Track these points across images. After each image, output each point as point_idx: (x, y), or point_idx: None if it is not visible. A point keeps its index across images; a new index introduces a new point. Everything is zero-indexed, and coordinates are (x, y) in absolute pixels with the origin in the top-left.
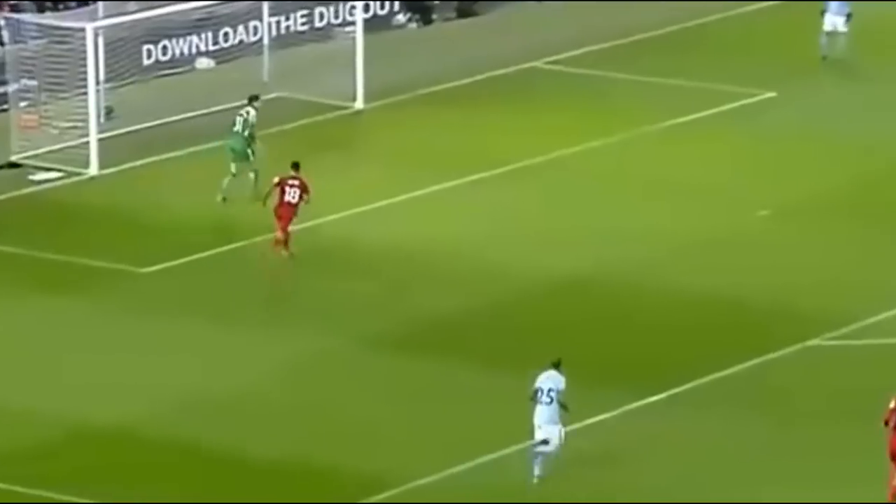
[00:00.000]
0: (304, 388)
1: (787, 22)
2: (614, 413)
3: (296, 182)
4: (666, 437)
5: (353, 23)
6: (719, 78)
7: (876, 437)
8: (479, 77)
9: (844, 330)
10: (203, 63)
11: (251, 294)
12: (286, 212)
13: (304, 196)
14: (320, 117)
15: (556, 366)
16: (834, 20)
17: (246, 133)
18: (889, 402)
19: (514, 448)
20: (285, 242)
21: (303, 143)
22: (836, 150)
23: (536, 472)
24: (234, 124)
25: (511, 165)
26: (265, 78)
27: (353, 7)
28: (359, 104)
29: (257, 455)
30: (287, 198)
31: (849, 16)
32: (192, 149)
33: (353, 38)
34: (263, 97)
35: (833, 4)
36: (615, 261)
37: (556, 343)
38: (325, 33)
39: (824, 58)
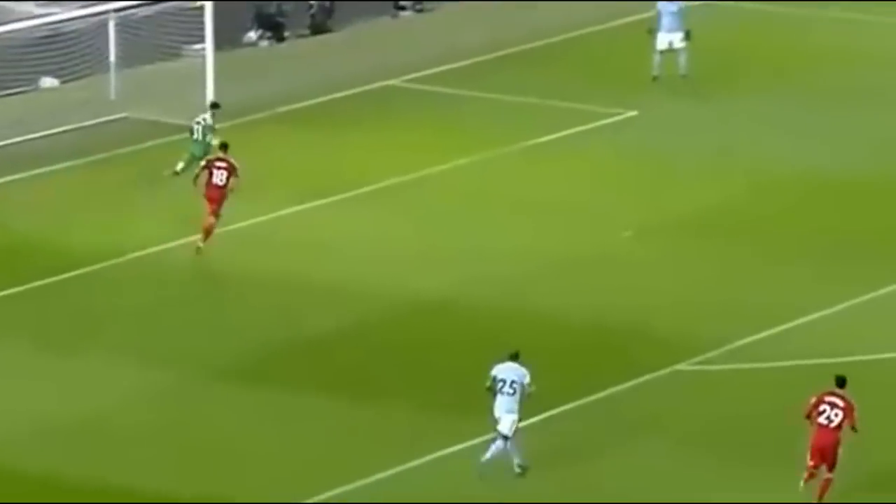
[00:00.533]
0: (163, 416)
1: (648, 39)
2: (482, 439)
3: (223, 164)
4: (542, 462)
5: (202, 40)
6: (582, 96)
7: (751, 459)
8: (334, 96)
9: (712, 353)
10: (47, 82)
11: (101, 319)
12: (214, 194)
13: (232, 179)
14: (170, 138)
15: (515, 357)
16: (669, 38)
17: (207, 139)
18: (760, 424)
19: (380, 475)
20: (207, 233)
21: (153, 164)
22: (698, 169)
23: (486, 456)
24: (192, 133)
25: (371, 186)
26: (112, 97)
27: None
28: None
29: (115, 484)
30: (214, 180)
31: (688, 33)
32: (35, 171)
33: (203, 56)
34: (110, 117)
35: (665, 22)
36: (480, 281)
37: (422, 365)
38: (174, 51)
39: (655, 78)
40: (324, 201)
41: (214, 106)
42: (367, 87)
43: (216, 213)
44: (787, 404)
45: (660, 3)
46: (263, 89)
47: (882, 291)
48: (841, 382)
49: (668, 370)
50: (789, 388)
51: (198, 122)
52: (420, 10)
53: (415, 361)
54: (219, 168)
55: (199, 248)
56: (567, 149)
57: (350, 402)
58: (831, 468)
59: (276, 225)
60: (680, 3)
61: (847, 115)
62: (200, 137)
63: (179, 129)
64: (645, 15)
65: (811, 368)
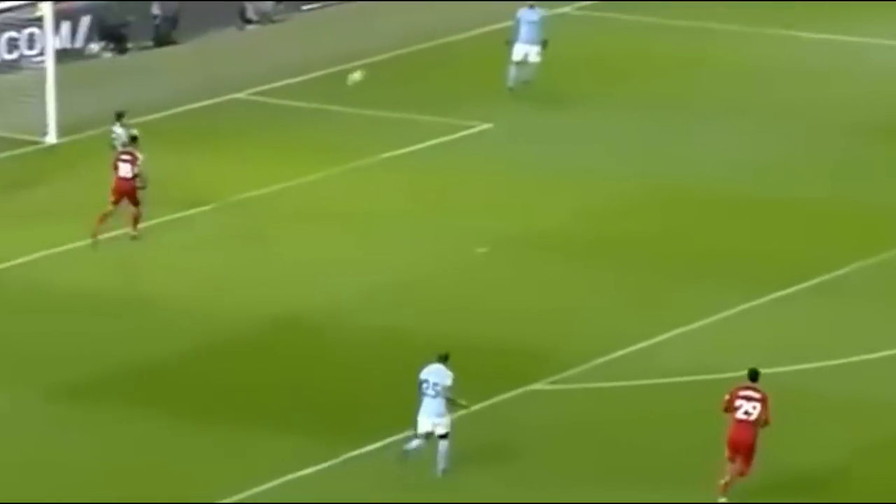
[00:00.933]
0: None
1: (504, 50)
2: (335, 461)
3: (127, 157)
4: (399, 483)
5: (42, 52)
6: (434, 109)
7: (611, 478)
8: (179, 109)
9: (571, 372)
10: None
11: None
12: (121, 186)
13: (135, 168)
14: (9, 153)
15: (444, 359)
16: (525, 49)
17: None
18: (620, 442)
19: (225, 501)
20: (134, 222)
21: None
22: (555, 182)
23: (441, 466)
24: (114, 148)
25: (216, 203)
26: None
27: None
28: (51, 138)
29: None
30: (121, 173)
31: (545, 43)
32: None
33: (44, 68)
34: None
35: (522, 32)
36: (335, 298)
37: (266, 389)
38: (12, 63)
39: (511, 89)
40: (170, 217)
41: (120, 115)
42: (213, 101)
43: (135, 203)
44: (646, 422)
45: (519, 13)
46: (106, 102)
47: (743, 307)
48: (754, 376)
49: (524, 389)
50: (649, 406)
51: (115, 138)
52: (272, 21)
53: (263, 382)
54: (124, 161)
55: (134, 237)
56: (422, 162)
57: (194, 424)
58: (748, 461)
59: (116, 243)
60: (541, 12)
61: (704, 128)
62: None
63: (20, 143)
64: (506, 24)
65: (672, 386)
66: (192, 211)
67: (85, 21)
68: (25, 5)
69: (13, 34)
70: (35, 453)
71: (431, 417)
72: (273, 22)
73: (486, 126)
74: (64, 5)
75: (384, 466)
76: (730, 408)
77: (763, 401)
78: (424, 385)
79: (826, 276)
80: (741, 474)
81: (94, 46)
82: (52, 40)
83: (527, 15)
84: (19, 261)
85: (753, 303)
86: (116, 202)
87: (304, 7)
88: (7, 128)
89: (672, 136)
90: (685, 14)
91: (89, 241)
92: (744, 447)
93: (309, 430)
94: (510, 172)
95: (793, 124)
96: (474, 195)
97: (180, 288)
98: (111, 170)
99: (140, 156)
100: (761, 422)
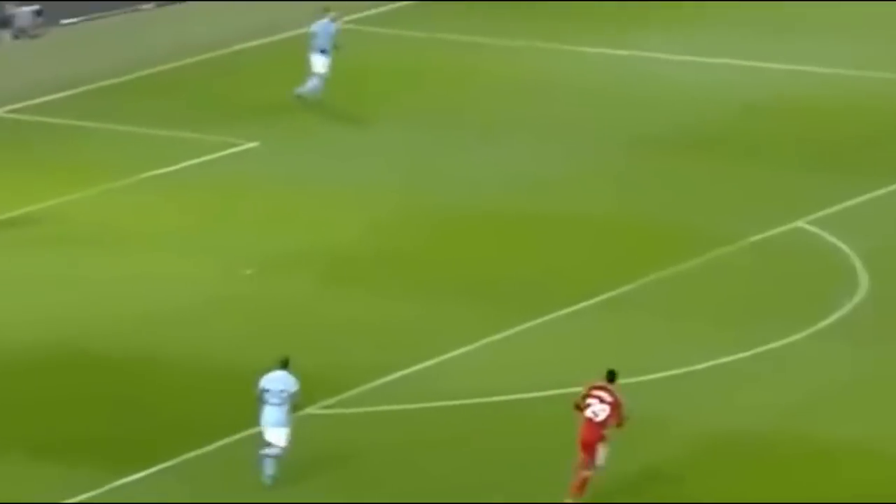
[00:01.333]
0: None
1: (273, 64)
2: (99, 491)
3: None
4: None
5: None
6: (198, 127)
7: None
8: None
9: (344, 396)
10: None
11: None
12: None
13: None
14: None
15: (285, 365)
16: (320, 60)
17: None
18: (396, 467)
19: None
20: None
21: None
22: (332, 198)
23: (269, 472)
24: None
25: None
26: None
27: None
28: None
29: None
30: None
31: (335, 48)
32: None
33: None
34: None
35: (318, 42)
36: (97, 326)
37: (30, 415)
38: None
39: (299, 97)
40: None
41: None
42: None
43: None
44: (425, 445)
45: (317, 24)
46: None
47: (528, 325)
48: (611, 377)
49: (296, 414)
50: (429, 429)
51: None
52: (30, 36)
53: (27, 407)
54: None
55: None
56: (183, 183)
57: None
58: (589, 465)
59: None
60: (338, 25)
61: (483, 143)
62: None
63: None
64: (288, 34)
65: (453, 409)
66: None
67: None
68: None
69: None
70: None
71: (271, 427)
72: (31, 37)
73: (252, 144)
74: None
75: (150, 495)
76: (581, 405)
77: (613, 405)
78: (267, 394)
79: (612, 293)
80: (585, 479)
81: None
82: None
83: (327, 27)
84: None
85: (538, 320)
86: None
87: (64, 21)
88: None
89: (451, 151)
90: (454, 28)
91: None
92: (591, 448)
93: (74, 457)
94: (277, 190)
95: (573, 138)
96: (240, 216)
97: None
98: None
99: None
100: (608, 424)
